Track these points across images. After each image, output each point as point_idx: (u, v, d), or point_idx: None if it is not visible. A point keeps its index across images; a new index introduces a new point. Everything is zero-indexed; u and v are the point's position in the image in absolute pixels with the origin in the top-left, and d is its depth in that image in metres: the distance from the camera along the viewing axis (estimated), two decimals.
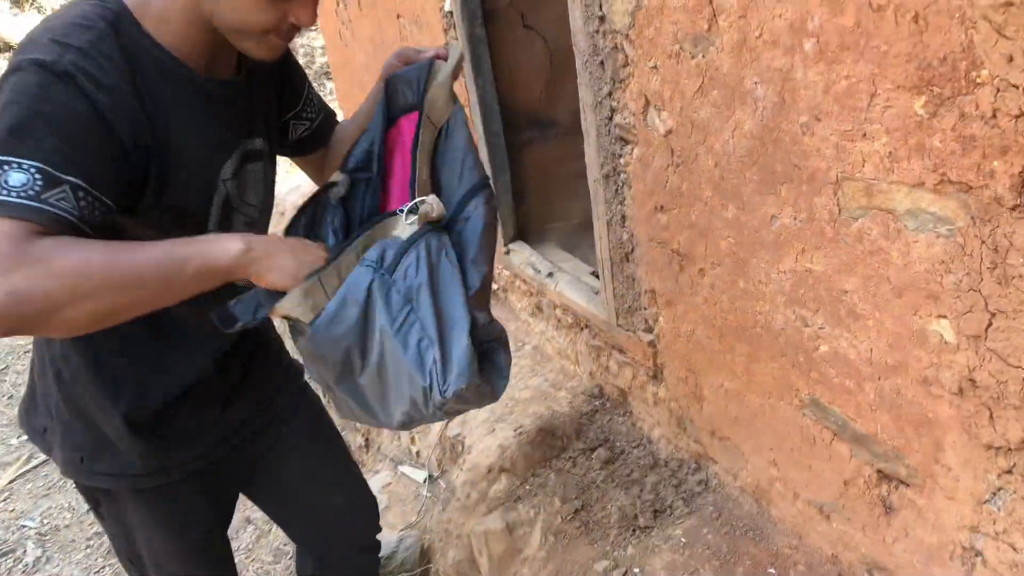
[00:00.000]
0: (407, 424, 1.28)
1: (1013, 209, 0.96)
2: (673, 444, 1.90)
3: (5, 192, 0.95)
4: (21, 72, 0.98)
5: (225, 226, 1.25)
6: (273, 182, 1.39)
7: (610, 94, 1.75)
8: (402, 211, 1.24)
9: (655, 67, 1.56)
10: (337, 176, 1.36)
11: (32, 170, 0.96)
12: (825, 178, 1.23)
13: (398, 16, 2.95)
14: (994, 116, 0.95)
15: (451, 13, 2.46)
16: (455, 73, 1.39)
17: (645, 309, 1.87)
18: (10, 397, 3.97)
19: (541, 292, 2.45)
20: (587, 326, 2.20)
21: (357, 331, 1.18)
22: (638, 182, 1.74)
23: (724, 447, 1.72)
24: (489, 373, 1.28)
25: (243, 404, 1.48)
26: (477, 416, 2.26)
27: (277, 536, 2.74)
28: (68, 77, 0.98)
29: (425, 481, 2.35)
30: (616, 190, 1.84)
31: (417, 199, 1.25)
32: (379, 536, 1.86)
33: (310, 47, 6.64)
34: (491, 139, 2.51)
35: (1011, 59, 0.91)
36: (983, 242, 1.01)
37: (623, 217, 1.84)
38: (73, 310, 0.96)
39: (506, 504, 1.90)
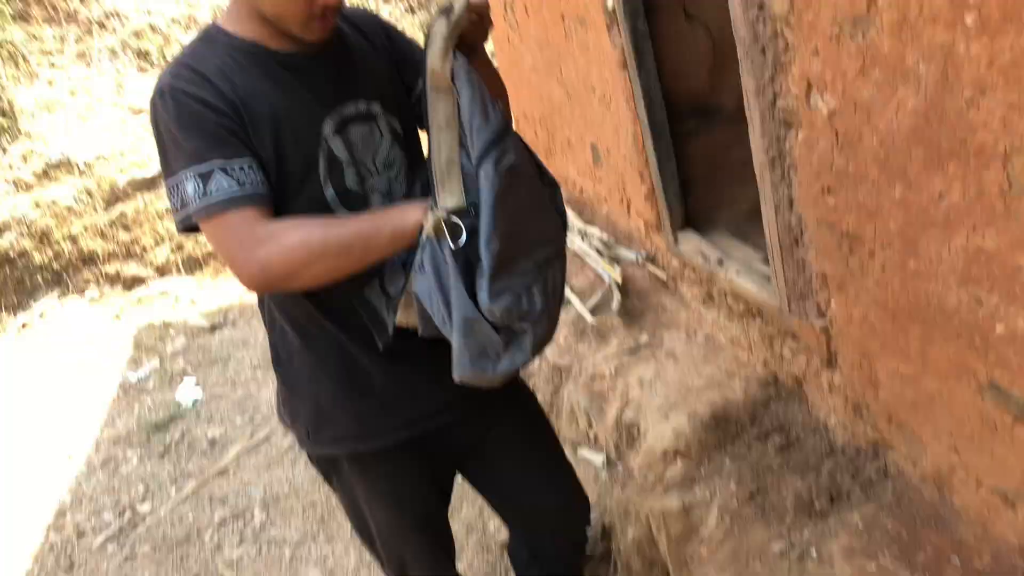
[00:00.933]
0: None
1: None
2: (850, 431, 1.87)
3: (186, 206, 1.25)
4: (151, 106, 1.30)
5: (337, 180, 1.38)
6: (398, 145, 1.47)
7: (772, 79, 1.75)
8: (431, 208, 1.28)
9: (816, 51, 1.56)
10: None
11: (190, 178, 1.24)
12: (993, 152, 1.19)
13: (563, 17, 3.04)
14: None
15: (614, 10, 2.52)
16: (448, 39, 1.28)
17: (816, 294, 1.85)
18: (233, 383, 4.46)
19: (711, 280, 2.46)
20: (759, 313, 2.20)
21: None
22: (804, 165, 1.74)
23: (902, 433, 1.68)
24: (514, 350, 1.29)
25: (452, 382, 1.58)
26: (651, 403, 2.32)
27: (469, 513, 2.92)
28: (173, 91, 1.26)
29: (603, 464, 2.44)
30: (782, 174, 1.84)
31: (435, 206, 1.28)
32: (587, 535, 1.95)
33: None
34: (656, 129, 2.55)
35: None
36: None
37: (790, 201, 1.84)
38: (303, 274, 1.25)
39: (682, 486, 1.95)
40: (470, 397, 1.61)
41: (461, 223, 1.25)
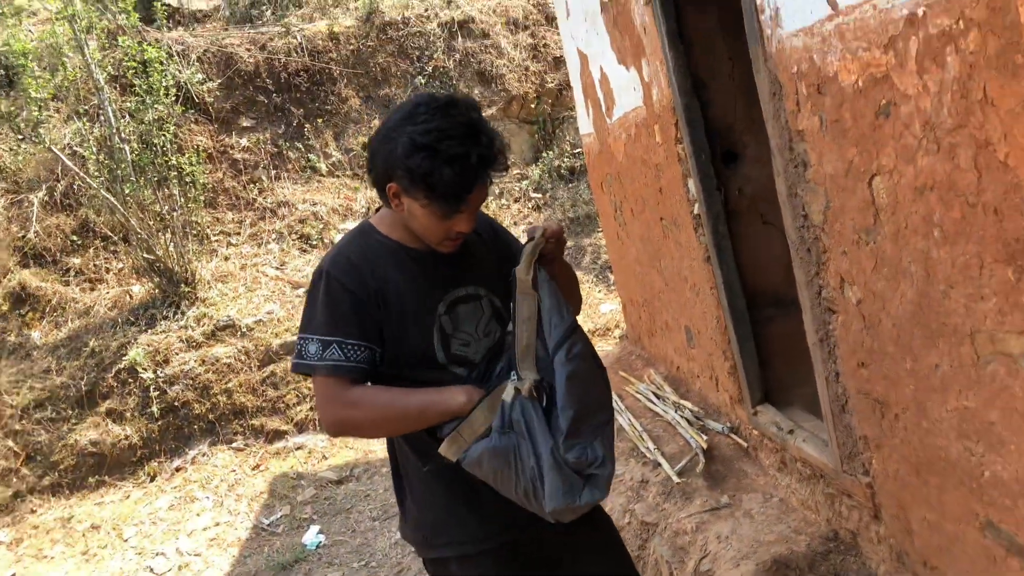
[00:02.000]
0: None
1: None
2: None
3: (305, 359, 1.74)
4: (312, 277, 1.81)
5: (446, 347, 1.82)
6: (496, 320, 1.90)
7: (817, 274, 2.17)
8: (512, 379, 1.73)
9: (844, 252, 1.98)
10: (511, 326, 1.86)
11: (315, 341, 1.73)
12: (963, 331, 1.56)
13: (661, 219, 3.58)
14: None
15: (699, 214, 3.03)
16: (530, 256, 1.74)
17: (861, 454, 2.16)
18: (353, 531, 4.88)
19: (784, 448, 2.76)
20: (822, 475, 2.49)
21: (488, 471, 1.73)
22: (843, 344, 2.11)
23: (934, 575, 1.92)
24: (592, 488, 1.67)
25: None
26: (726, 554, 2.58)
27: None
28: (328, 275, 1.76)
29: None
30: (828, 351, 2.21)
31: (520, 376, 1.73)
32: None
33: (596, 245, 7.60)
34: (736, 315, 2.96)
35: None
36: None
37: (836, 374, 2.19)
38: (369, 432, 1.84)
39: None
40: None
41: (545, 390, 1.71)
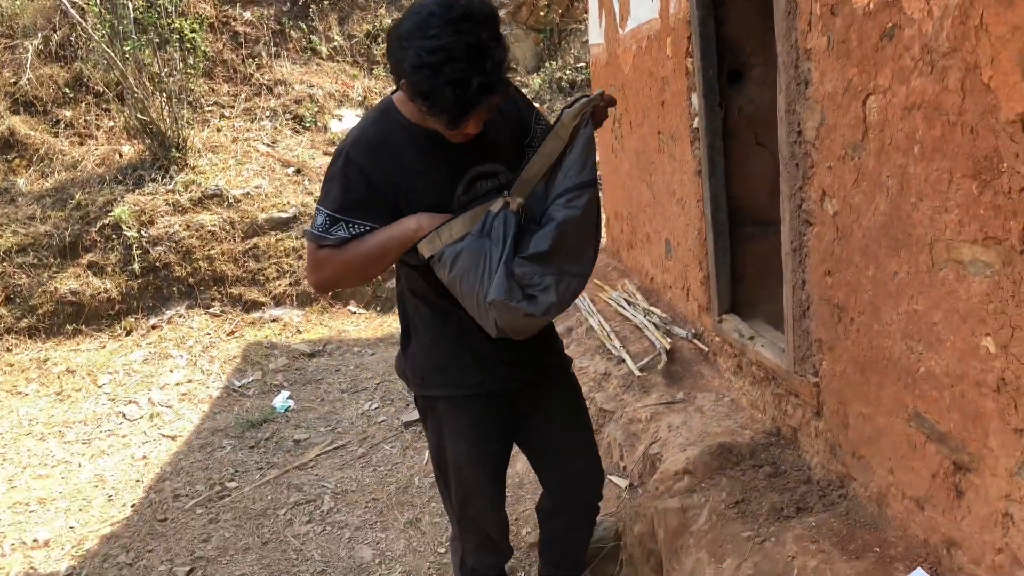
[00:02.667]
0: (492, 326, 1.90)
1: (1022, 253, 1.44)
2: (825, 468, 2.33)
3: (312, 227, 1.90)
4: (334, 154, 1.93)
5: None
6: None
7: (801, 187, 2.33)
8: (503, 196, 1.88)
9: (829, 167, 2.14)
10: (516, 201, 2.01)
11: (324, 215, 1.88)
12: (924, 241, 1.74)
13: (659, 132, 3.71)
14: (1008, 192, 1.45)
15: (698, 128, 3.16)
16: (584, 106, 1.85)
17: (814, 356, 2.37)
18: (322, 400, 5.09)
19: (742, 353, 2.98)
20: (774, 377, 2.70)
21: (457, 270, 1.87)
22: (814, 253, 2.29)
23: (861, 465, 2.15)
24: (529, 301, 1.84)
25: (526, 356, 2.12)
26: (674, 441, 2.81)
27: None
28: (348, 156, 1.88)
29: (626, 487, 2.92)
30: (800, 260, 2.39)
31: (512, 194, 1.87)
32: (599, 504, 2.46)
33: None
34: (717, 227, 3.14)
35: (1017, 156, 1.42)
36: (1008, 278, 1.49)
37: (803, 282, 2.38)
38: (344, 283, 2.00)
39: (684, 494, 2.43)
40: (539, 373, 2.19)
41: (529, 214, 1.89)
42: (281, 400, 5.14)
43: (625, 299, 4.16)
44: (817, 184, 2.22)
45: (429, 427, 2.25)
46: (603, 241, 5.99)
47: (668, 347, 3.37)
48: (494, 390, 2.12)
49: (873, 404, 2.05)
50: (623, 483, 2.97)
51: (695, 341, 3.42)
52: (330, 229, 1.88)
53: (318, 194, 2.02)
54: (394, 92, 1.98)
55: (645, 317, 3.78)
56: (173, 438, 4.93)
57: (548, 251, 1.83)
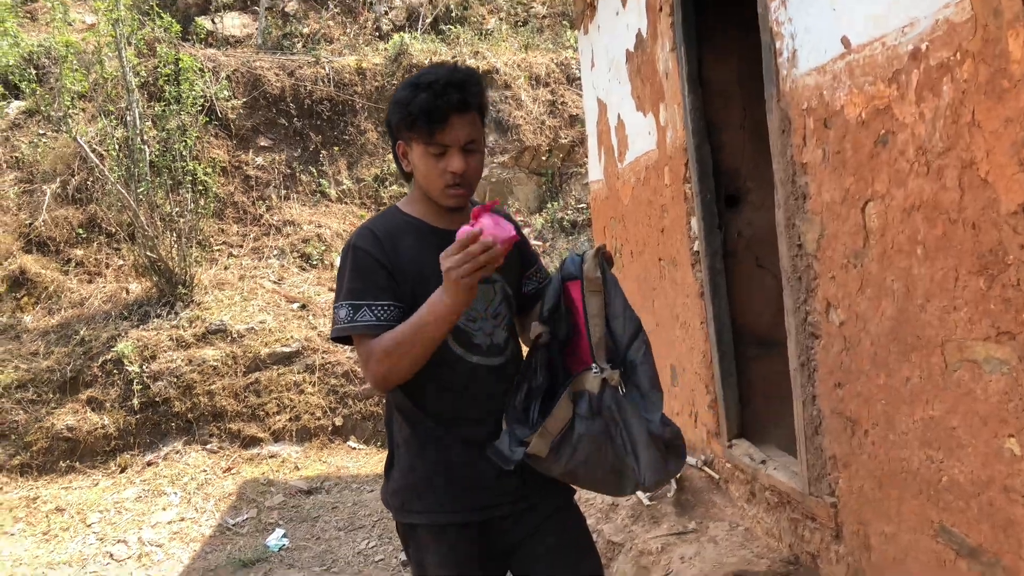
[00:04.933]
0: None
1: None
2: None
3: (335, 327, 1.85)
4: (342, 252, 1.91)
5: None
6: (506, 304, 2.00)
7: (805, 301, 2.31)
8: (595, 372, 1.85)
9: (832, 277, 2.13)
10: (538, 327, 1.96)
11: (345, 307, 1.84)
12: (935, 342, 1.69)
13: (659, 259, 3.74)
14: (1017, 284, 1.42)
15: (698, 251, 3.18)
16: (597, 256, 1.90)
17: (829, 474, 2.27)
18: (318, 539, 4.89)
19: (755, 478, 2.86)
20: (789, 501, 2.58)
21: (582, 456, 1.84)
22: (822, 366, 2.24)
23: None
24: (675, 456, 1.83)
25: (518, 480, 1.98)
26: (688, 573, 2.66)
27: None
28: (355, 247, 1.87)
29: None
30: (808, 375, 2.34)
31: (603, 368, 1.84)
32: None
33: None
34: (722, 348, 3.10)
35: (1022, 247, 1.41)
36: None
37: (813, 397, 2.32)
38: (400, 370, 1.81)
39: None
40: (529, 498, 2.06)
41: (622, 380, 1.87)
42: (275, 539, 4.93)
43: None
44: (821, 295, 2.20)
45: (411, 556, 2.11)
46: None
47: (678, 475, 3.25)
48: (475, 520, 2.00)
49: (895, 521, 1.94)
50: None
51: (705, 468, 3.30)
52: (355, 317, 1.84)
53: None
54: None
55: None
56: None
57: (662, 398, 1.88)
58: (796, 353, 2.39)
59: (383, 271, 1.89)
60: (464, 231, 1.65)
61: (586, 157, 8.71)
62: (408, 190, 1.96)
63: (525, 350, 2.01)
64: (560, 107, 8.98)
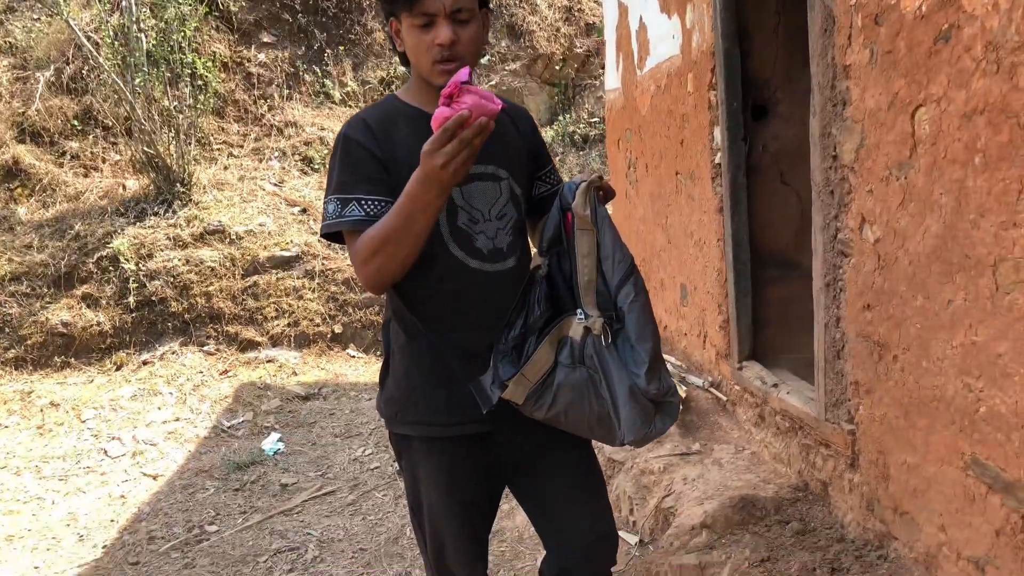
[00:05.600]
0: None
1: None
2: (861, 526, 2.10)
3: (324, 222, 1.70)
4: (334, 143, 1.76)
5: (452, 217, 1.76)
6: (512, 204, 1.84)
7: (836, 216, 2.16)
8: (579, 318, 1.70)
9: (870, 190, 1.96)
10: (537, 260, 1.81)
11: (333, 201, 1.69)
12: (986, 262, 1.55)
13: (676, 172, 3.56)
14: None
15: (720, 164, 3.00)
16: (587, 191, 1.70)
17: (849, 400, 2.15)
18: (314, 444, 4.85)
19: (765, 401, 2.76)
20: (801, 427, 2.48)
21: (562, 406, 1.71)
22: (851, 287, 2.10)
23: (903, 522, 1.91)
24: (665, 415, 1.69)
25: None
26: (690, 495, 2.58)
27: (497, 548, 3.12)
28: (346, 137, 1.72)
29: (636, 544, 2.67)
30: (834, 296, 2.20)
31: (587, 315, 1.69)
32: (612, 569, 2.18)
33: None
34: (738, 268, 2.95)
35: None
36: None
37: (837, 319, 2.18)
38: (391, 267, 1.65)
39: (702, 550, 2.19)
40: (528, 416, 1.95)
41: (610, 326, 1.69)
42: (271, 442, 4.90)
43: None
44: (856, 211, 2.04)
45: (404, 467, 2.01)
46: None
47: (683, 396, 3.15)
48: (471, 433, 1.88)
49: (920, 452, 1.83)
50: (633, 539, 2.71)
51: (712, 390, 3.20)
52: (343, 212, 1.70)
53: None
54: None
55: None
56: (155, 477, 4.67)
57: (654, 348, 1.67)
58: (822, 272, 2.24)
59: (375, 162, 1.73)
60: (443, 115, 1.42)
61: (601, 69, 8.39)
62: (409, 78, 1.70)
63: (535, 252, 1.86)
64: (577, 14, 8.60)
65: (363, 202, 1.72)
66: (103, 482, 4.67)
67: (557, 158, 8.08)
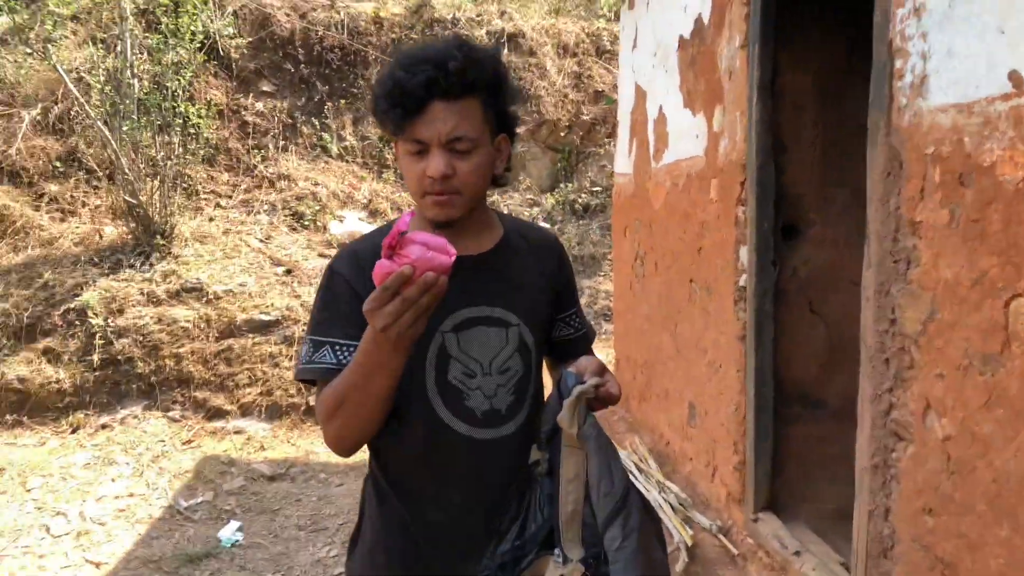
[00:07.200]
0: None
1: None
2: None
3: (300, 362, 1.45)
4: (323, 276, 1.52)
5: (441, 369, 1.47)
6: (520, 356, 1.54)
7: (891, 390, 1.83)
8: (556, 558, 1.38)
9: (940, 375, 1.64)
10: (536, 454, 1.47)
11: (308, 342, 1.46)
12: None
13: (691, 280, 3.25)
14: None
15: (744, 288, 2.69)
16: (574, 406, 1.40)
17: None
18: (275, 537, 4.46)
19: (784, 569, 2.41)
20: None
21: None
22: (907, 479, 1.76)
23: None
24: None
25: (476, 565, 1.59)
26: None
27: None
28: (332, 270, 1.49)
29: None
30: (883, 482, 1.86)
31: (566, 558, 1.38)
32: None
33: (595, 290, 7.26)
34: (760, 405, 2.62)
35: None
36: None
37: (886, 511, 1.85)
38: (351, 431, 1.40)
39: None
40: None
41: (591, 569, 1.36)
42: (229, 531, 4.48)
43: (636, 463, 3.60)
44: (918, 392, 1.72)
45: None
46: None
47: (690, 542, 2.80)
48: None
49: None
50: None
51: (721, 537, 2.85)
52: (313, 357, 1.44)
53: (306, 299, 1.50)
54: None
55: (660, 494, 3.21)
56: (97, 565, 4.24)
57: None
58: (868, 451, 1.91)
59: (357, 301, 1.40)
60: (383, 270, 1.18)
61: (607, 137, 8.14)
62: None
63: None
64: (586, 81, 8.39)
65: (337, 348, 1.43)
66: (40, 567, 4.25)
67: (556, 226, 7.80)
